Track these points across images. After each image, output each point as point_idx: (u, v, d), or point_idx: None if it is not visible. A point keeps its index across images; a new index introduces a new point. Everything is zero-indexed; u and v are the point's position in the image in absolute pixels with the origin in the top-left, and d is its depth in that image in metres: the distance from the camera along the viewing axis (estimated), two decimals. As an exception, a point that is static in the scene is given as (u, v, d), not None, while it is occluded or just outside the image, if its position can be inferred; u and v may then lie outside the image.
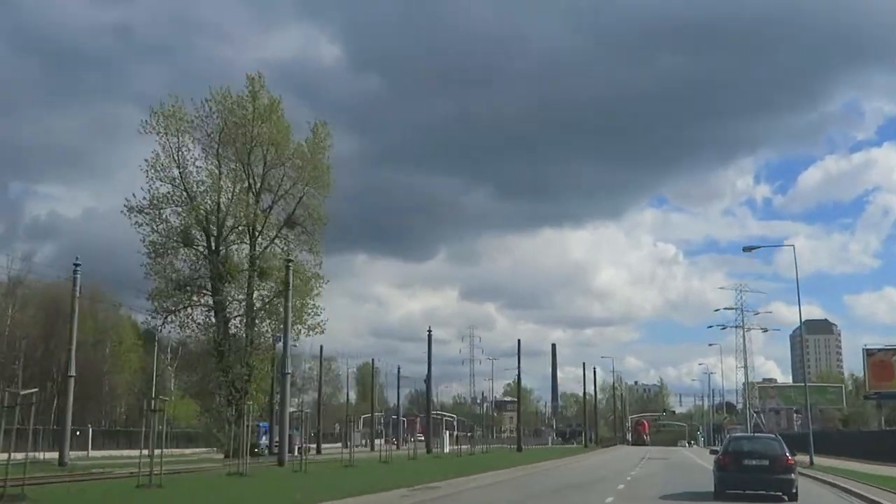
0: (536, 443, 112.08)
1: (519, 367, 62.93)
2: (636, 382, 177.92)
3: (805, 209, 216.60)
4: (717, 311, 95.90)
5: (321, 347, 62.34)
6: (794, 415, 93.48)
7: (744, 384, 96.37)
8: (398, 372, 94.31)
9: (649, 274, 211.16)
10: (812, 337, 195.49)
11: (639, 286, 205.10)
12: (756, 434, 31.57)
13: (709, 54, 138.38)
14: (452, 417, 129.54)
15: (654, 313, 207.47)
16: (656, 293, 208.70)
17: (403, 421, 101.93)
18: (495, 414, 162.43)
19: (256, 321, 41.69)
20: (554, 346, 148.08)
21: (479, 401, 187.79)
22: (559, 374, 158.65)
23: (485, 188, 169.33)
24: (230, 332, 40.98)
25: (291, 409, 44.09)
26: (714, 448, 27.89)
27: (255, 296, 41.60)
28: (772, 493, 19.19)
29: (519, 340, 65.22)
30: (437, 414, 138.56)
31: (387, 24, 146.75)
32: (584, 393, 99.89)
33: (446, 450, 56.19)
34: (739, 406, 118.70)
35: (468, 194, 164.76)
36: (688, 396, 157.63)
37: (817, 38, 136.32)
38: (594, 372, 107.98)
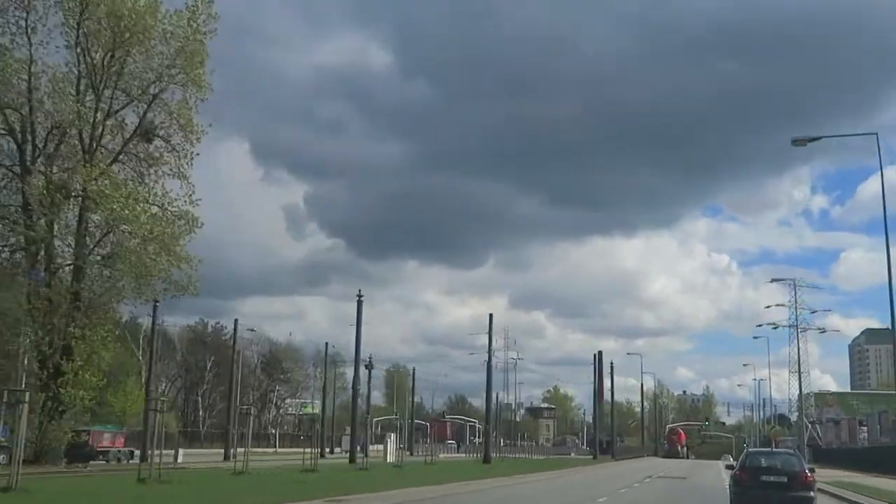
0: (557, 452, 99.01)
1: (490, 350, 48.32)
2: (684, 392, 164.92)
3: (863, 220, 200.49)
4: (768, 307, 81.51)
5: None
6: (859, 426, 77.86)
7: (798, 391, 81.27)
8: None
9: (702, 284, 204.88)
10: (873, 347, 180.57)
11: (691, 296, 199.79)
12: (774, 449, 29.85)
13: (764, 60, 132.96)
14: (474, 422, 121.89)
15: (707, 324, 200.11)
16: (709, 304, 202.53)
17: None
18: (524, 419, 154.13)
19: (87, 269, 29.63)
20: (600, 353, 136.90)
21: (514, 407, 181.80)
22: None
23: (535, 195, 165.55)
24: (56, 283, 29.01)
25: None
26: (730, 464, 24.94)
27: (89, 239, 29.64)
28: None
29: (491, 315, 50.68)
30: (457, 419, 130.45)
31: (436, 31, 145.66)
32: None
33: (390, 458, 43.82)
34: (794, 417, 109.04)
35: (518, 201, 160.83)
36: (737, 408, 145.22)
37: (877, 44, 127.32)
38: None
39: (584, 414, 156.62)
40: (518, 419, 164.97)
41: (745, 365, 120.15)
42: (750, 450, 25.83)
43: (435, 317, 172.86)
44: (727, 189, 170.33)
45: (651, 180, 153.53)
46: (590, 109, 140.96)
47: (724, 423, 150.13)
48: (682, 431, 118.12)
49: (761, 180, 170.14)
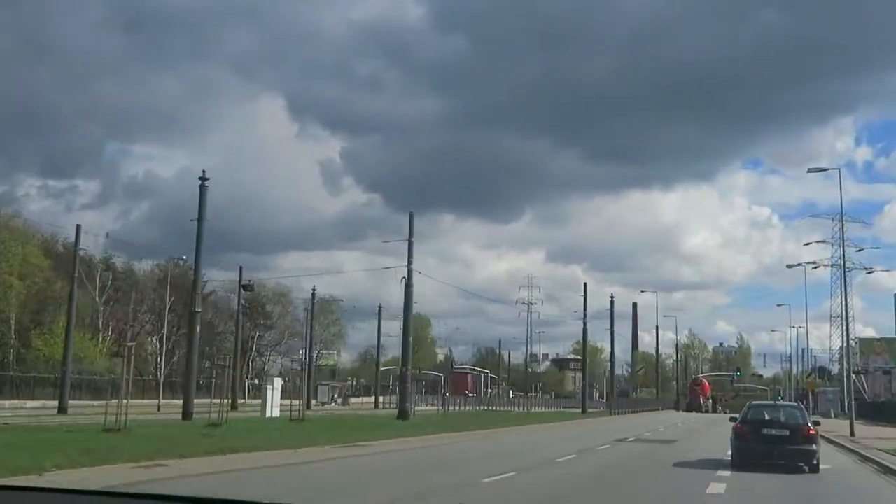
0: (569, 405, 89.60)
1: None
2: (721, 345, 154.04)
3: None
4: (807, 244, 70.90)
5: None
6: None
7: (843, 327, 69.68)
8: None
9: (743, 237, 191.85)
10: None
11: (731, 250, 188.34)
12: (777, 403, 27.70)
13: (806, 9, 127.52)
14: (473, 371, 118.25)
15: (748, 278, 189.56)
16: (750, 257, 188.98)
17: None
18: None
19: None
20: (635, 304, 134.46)
21: (538, 359, 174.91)
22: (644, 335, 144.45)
23: (572, 149, 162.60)
24: None
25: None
26: (733, 416, 21.76)
27: None
28: (792, 464, 18.37)
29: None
30: (459, 368, 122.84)
31: None
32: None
33: (271, 412, 34.85)
34: (836, 369, 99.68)
35: (556, 156, 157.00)
36: (775, 362, 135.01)
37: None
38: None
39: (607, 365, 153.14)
40: (542, 370, 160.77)
41: (778, 306, 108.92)
42: (752, 402, 24.13)
43: (472, 271, 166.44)
44: (768, 141, 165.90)
45: (690, 133, 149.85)
46: (628, 63, 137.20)
47: (760, 376, 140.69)
48: (705, 382, 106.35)
49: (803, 132, 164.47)
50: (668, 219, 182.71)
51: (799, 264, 67.96)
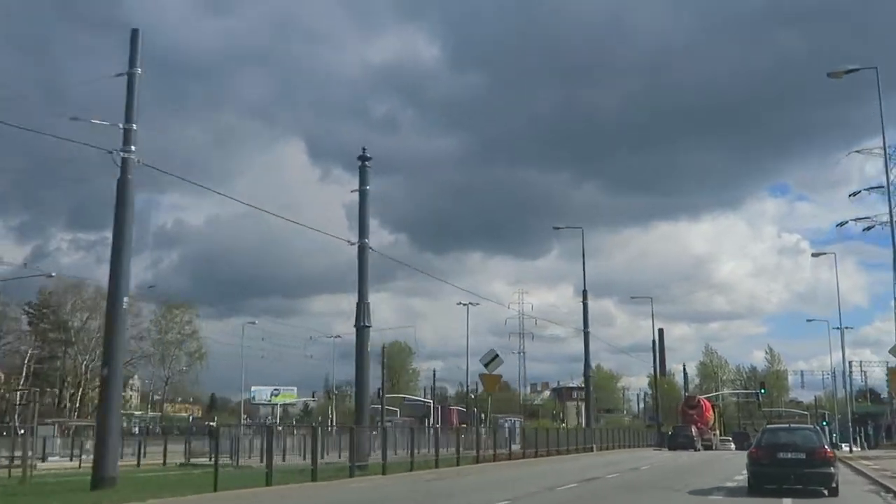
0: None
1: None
2: (754, 368, 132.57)
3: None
4: (853, 195, 51.13)
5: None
6: None
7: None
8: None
9: (774, 265, 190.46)
10: None
11: (763, 278, 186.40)
12: (792, 425, 29.01)
13: (823, 28, 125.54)
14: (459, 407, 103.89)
15: (781, 307, 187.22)
16: (782, 286, 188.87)
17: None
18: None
19: None
20: (661, 330, 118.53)
21: (538, 389, 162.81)
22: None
23: (594, 181, 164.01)
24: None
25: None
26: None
27: None
28: (810, 487, 18.43)
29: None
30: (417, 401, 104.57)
31: (484, 20, 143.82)
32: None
33: None
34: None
35: (578, 188, 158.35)
36: (814, 388, 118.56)
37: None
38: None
39: (625, 392, 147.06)
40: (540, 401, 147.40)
41: (809, 321, 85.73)
42: (767, 426, 24.85)
43: (502, 308, 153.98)
44: (794, 167, 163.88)
45: (713, 161, 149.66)
46: (646, 91, 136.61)
47: (799, 402, 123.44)
48: (706, 402, 74.28)
49: (829, 156, 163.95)
50: (697, 249, 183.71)
51: (846, 222, 47.95)
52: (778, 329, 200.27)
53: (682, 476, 24.16)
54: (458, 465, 26.53)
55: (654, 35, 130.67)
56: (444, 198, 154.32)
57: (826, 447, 18.80)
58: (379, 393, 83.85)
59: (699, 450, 56.31)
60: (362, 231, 30.78)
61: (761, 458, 18.72)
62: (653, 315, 75.22)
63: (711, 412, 74.41)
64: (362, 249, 30.70)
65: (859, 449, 62.54)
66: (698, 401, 73.17)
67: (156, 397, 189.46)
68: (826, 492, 18.17)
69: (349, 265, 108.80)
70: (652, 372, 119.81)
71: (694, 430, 60.30)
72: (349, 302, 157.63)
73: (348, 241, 31.17)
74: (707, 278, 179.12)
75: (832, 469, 18.34)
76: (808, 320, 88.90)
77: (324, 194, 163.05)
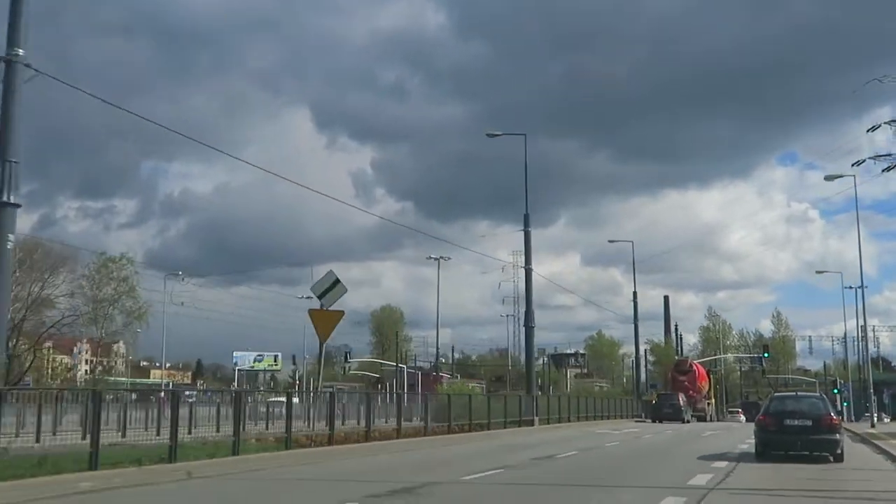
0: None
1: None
2: (758, 333, 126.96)
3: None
4: (856, 164, 43.84)
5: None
6: None
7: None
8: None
9: (783, 235, 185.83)
10: None
11: (772, 247, 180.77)
12: (799, 393, 26.29)
13: None
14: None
15: (790, 276, 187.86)
16: (791, 255, 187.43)
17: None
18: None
19: None
20: (667, 297, 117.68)
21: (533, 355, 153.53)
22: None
23: (604, 151, 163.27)
24: None
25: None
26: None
27: None
28: (816, 453, 18.62)
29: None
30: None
31: None
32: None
33: None
34: None
35: (587, 158, 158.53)
36: (824, 355, 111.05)
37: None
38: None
39: (624, 360, 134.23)
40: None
41: (819, 272, 79.34)
42: (775, 394, 24.95)
43: (511, 277, 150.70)
44: (802, 135, 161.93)
45: (722, 129, 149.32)
46: (654, 58, 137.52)
47: (806, 370, 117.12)
48: (698, 367, 65.03)
49: (839, 124, 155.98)
50: (706, 217, 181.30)
51: (864, 160, 41.51)
52: (786, 298, 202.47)
53: (620, 472, 15.90)
54: (329, 444, 19.57)
55: (660, 1, 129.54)
56: (452, 166, 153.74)
57: (832, 414, 19.18)
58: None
59: (688, 421, 49.30)
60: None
61: (769, 426, 19.07)
62: (634, 265, 64.81)
63: (706, 379, 65.74)
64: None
65: (888, 419, 56.35)
66: (690, 365, 64.52)
67: (143, 364, 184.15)
68: (831, 457, 18.53)
69: (355, 233, 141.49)
70: (658, 340, 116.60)
71: (681, 398, 51.81)
72: (356, 270, 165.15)
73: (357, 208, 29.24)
74: (716, 247, 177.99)
75: (838, 436, 18.77)
76: (818, 272, 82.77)
77: (331, 162, 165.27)
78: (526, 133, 42.37)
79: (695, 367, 63.40)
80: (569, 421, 39.99)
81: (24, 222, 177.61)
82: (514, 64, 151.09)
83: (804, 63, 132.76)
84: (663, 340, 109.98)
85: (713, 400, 68.59)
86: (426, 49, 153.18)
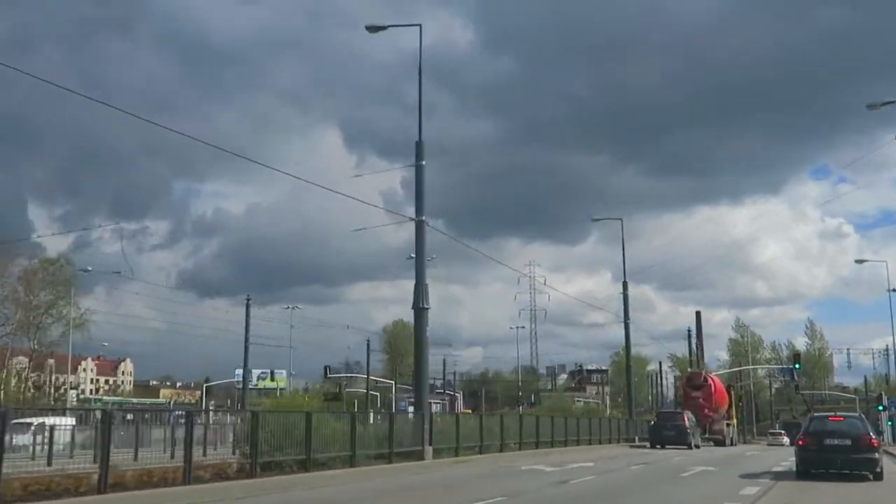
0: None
1: None
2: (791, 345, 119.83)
3: None
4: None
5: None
6: None
7: None
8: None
9: (817, 250, 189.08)
10: None
11: (806, 263, 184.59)
12: (839, 413, 27.60)
13: (870, 5, 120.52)
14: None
15: (824, 292, 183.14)
16: (826, 271, 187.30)
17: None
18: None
19: None
20: (698, 313, 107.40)
21: (554, 372, 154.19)
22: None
23: (633, 165, 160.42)
24: None
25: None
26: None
27: None
28: (855, 472, 19.26)
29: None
30: None
31: (517, 2, 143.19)
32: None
33: None
34: None
35: (616, 173, 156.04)
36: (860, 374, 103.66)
37: None
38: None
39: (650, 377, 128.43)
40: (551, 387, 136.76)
41: (858, 262, 72.26)
42: (814, 414, 26.22)
43: (542, 294, 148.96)
44: (834, 149, 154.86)
45: (753, 142, 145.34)
46: (682, 73, 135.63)
47: (844, 388, 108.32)
48: (715, 381, 54.54)
49: (873, 137, 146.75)
50: (738, 233, 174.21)
51: None
52: (821, 315, 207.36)
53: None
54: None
55: (691, 14, 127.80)
56: (482, 183, 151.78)
57: (871, 434, 19.70)
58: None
59: (697, 446, 40.97)
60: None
61: (809, 445, 19.72)
62: (623, 247, 59.20)
63: (726, 396, 55.37)
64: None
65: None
66: (705, 378, 53.53)
67: (153, 382, 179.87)
68: (871, 476, 18.98)
69: (387, 252, 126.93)
70: (682, 356, 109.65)
71: (687, 418, 41.76)
72: (387, 289, 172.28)
73: (407, 217, 29.97)
74: (748, 263, 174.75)
75: (876, 455, 19.37)
76: (858, 261, 75.21)
77: (361, 181, 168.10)
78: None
79: (711, 381, 53.02)
80: (517, 448, 30.37)
81: (60, 242, 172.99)
82: (542, 78, 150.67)
83: (833, 74, 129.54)
84: (695, 358, 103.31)
85: (735, 420, 59.67)
86: (454, 65, 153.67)
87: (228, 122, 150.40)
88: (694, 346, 75.28)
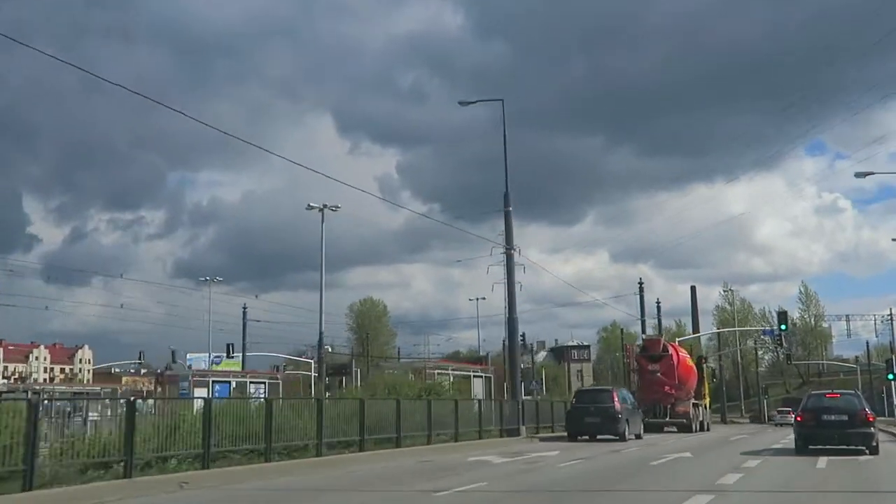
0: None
1: None
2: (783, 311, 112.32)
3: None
4: None
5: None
6: None
7: None
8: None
9: (815, 226, 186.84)
10: None
11: (804, 239, 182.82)
12: (836, 391, 27.71)
13: None
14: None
15: (822, 268, 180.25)
16: (823, 246, 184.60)
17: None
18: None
19: None
20: (693, 287, 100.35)
21: (532, 348, 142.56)
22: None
23: (627, 146, 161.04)
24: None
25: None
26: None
27: None
28: (852, 447, 19.84)
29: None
30: None
31: None
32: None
33: None
34: None
35: (611, 153, 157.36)
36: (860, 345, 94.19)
37: None
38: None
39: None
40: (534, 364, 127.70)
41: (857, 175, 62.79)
42: (811, 392, 25.93)
43: (539, 275, 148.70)
44: (828, 124, 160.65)
45: (748, 120, 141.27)
46: (677, 52, 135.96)
47: (844, 359, 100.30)
48: (676, 350, 43.17)
49: (865, 113, 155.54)
50: (734, 210, 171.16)
51: None
52: (819, 290, 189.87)
53: None
54: None
55: None
56: (477, 167, 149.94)
57: (867, 410, 20.33)
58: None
59: (639, 436, 30.16)
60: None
61: (807, 421, 20.45)
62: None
63: (693, 369, 44.41)
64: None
65: None
66: (665, 347, 42.42)
67: (116, 370, 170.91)
68: (867, 450, 19.67)
69: (383, 237, 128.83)
70: (670, 329, 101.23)
71: (617, 397, 29.32)
72: (385, 273, 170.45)
73: (501, 246, 32.77)
74: (745, 240, 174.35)
75: (872, 429, 19.82)
76: (857, 174, 66.41)
77: (356, 166, 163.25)
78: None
79: (673, 351, 42.06)
80: (356, 450, 19.38)
81: (55, 235, 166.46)
82: (534, 62, 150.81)
83: (826, 51, 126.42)
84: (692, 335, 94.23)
85: (707, 400, 48.56)
86: (445, 51, 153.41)
87: (222, 112, 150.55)
88: (645, 304, 65.06)
